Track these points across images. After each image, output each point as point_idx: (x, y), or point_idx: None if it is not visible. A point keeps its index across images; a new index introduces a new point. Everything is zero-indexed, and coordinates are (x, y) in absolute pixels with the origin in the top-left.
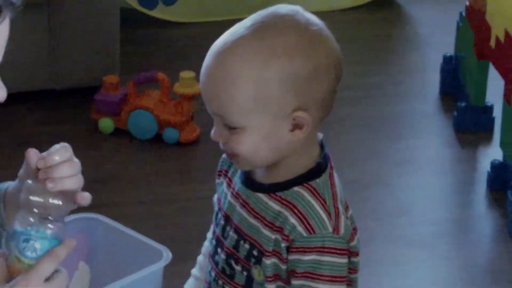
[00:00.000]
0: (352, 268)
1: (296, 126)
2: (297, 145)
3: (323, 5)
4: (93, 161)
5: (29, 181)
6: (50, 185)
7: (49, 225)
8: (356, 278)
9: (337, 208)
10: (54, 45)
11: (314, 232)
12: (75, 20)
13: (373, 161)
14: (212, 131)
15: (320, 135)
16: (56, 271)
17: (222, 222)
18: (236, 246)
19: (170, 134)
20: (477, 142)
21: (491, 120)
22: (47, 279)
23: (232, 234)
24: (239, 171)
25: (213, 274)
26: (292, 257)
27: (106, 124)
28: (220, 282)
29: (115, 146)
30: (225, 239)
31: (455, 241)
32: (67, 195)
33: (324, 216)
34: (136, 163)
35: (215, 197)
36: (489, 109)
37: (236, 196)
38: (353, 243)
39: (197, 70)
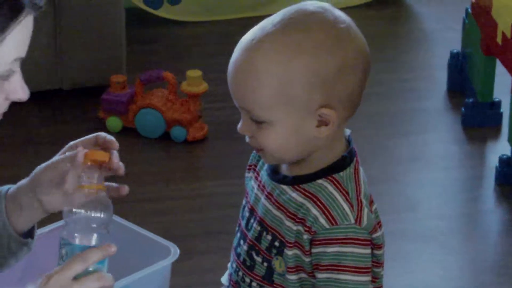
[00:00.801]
0: (376, 261)
1: (322, 123)
2: (323, 141)
3: (330, 2)
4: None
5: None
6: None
7: (93, 234)
8: (380, 273)
9: (361, 201)
10: (61, 45)
11: (337, 224)
12: (82, 20)
13: (381, 158)
14: (239, 125)
15: (348, 131)
16: (90, 272)
17: (247, 214)
18: (258, 238)
19: (177, 133)
20: (485, 138)
21: (499, 116)
22: (76, 279)
23: (255, 226)
24: (266, 165)
25: (234, 265)
26: (316, 249)
27: (114, 123)
28: (240, 273)
29: (123, 145)
30: (249, 231)
31: (463, 236)
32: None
33: (346, 207)
34: (144, 162)
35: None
36: (497, 104)
37: (262, 188)
38: (376, 235)
39: (203, 68)
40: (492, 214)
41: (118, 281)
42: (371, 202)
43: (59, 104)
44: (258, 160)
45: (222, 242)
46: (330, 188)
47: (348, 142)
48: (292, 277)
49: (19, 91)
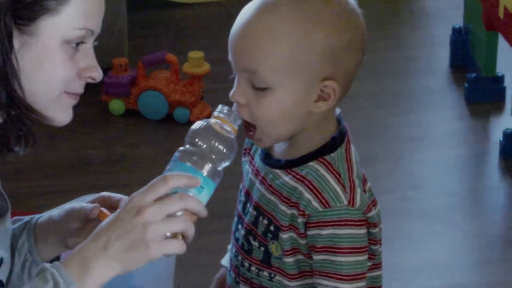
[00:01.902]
0: (372, 239)
1: (321, 97)
2: (316, 117)
3: None
4: (105, 142)
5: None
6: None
7: (207, 163)
8: (378, 250)
9: (353, 181)
10: None
11: (330, 206)
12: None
13: (385, 136)
14: (232, 91)
15: (338, 110)
16: (173, 196)
17: (243, 198)
18: (255, 222)
19: (180, 114)
20: (489, 113)
21: (502, 90)
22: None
23: (251, 210)
24: (259, 149)
25: (234, 250)
26: (310, 232)
27: (117, 105)
28: (239, 258)
29: (126, 127)
30: (245, 216)
31: (469, 212)
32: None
33: (338, 189)
34: (147, 144)
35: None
36: (500, 79)
37: (256, 173)
38: (370, 214)
39: (205, 50)
40: (497, 190)
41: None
42: (364, 181)
43: None
44: (253, 143)
45: (225, 224)
46: (322, 170)
47: (339, 121)
48: (289, 259)
49: (92, 69)
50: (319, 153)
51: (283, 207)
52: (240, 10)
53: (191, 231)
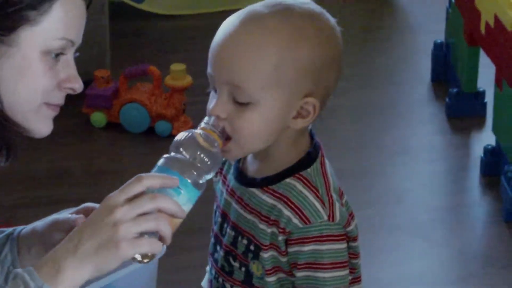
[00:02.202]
0: (352, 253)
1: (300, 114)
2: (291, 133)
3: None
4: (86, 155)
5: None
6: None
7: (190, 170)
8: (358, 264)
9: (331, 196)
10: None
11: (310, 222)
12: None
13: (366, 151)
14: (212, 105)
15: (309, 125)
16: (144, 195)
17: (219, 219)
18: (234, 243)
19: (162, 127)
20: (470, 128)
21: (483, 106)
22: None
23: (229, 231)
24: (232, 168)
25: (213, 272)
26: (291, 249)
27: (98, 118)
28: (220, 279)
29: (108, 140)
30: (223, 237)
31: (450, 227)
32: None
33: (318, 205)
34: (129, 157)
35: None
36: (481, 94)
37: (231, 193)
38: (350, 228)
39: (187, 62)
40: (477, 205)
41: (104, 278)
42: (341, 195)
43: None
44: (224, 163)
45: (208, 239)
46: (299, 186)
47: (311, 136)
48: (271, 278)
49: (72, 80)
50: (295, 169)
51: (262, 226)
52: (223, 23)
53: (165, 229)
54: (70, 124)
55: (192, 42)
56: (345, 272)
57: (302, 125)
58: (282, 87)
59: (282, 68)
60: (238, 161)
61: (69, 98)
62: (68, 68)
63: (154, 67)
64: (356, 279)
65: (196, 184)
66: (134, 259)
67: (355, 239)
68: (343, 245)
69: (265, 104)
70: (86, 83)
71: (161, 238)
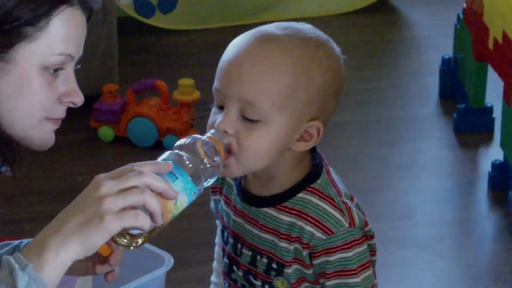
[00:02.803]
0: (372, 250)
1: (302, 138)
2: (292, 155)
3: (320, 10)
4: (94, 169)
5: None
6: None
7: (190, 163)
8: (375, 260)
9: (346, 202)
10: None
11: (333, 233)
12: (94, 48)
13: (374, 165)
14: (220, 120)
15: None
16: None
17: (231, 240)
18: (252, 262)
19: (170, 141)
20: (478, 143)
21: (491, 121)
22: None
23: (245, 251)
24: (234, 189)
25: None
26: (317, 260)
27: (106, 132)
28: None
29: (115, 154)
30: (239, 257)
31: (457, 242)
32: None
33: (337, 214)
34: None
35: (212, 203)
36: (489, 110)
37: (241, 214)
38: (367, 228)
39: (195, 77)
40: (485, 220)
41: None
42: (351, 198)
43: None
44: (222, 183)
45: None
46: (315, 199)
47: (313, 148)
48: None
49: (73, 94)
50: (305, 183)
51: (283, 244)
52: (231, 38)
53: (152, 203)
54: (78, 138)
55: (200, 57)
56: (371, 271)
57: (303, 148)
58: (293, 108)
59: (296, 89)
60: (240, 181)
61: (77, 112)
62: (68, 82)
63: (161, 82)
64: (374, 274)
65: (192, 177)
66: (121, 242)
67: (372, 237)
68: (365, 246)
69: (275, 124)
70: (94, 98)
71: (150, 215)
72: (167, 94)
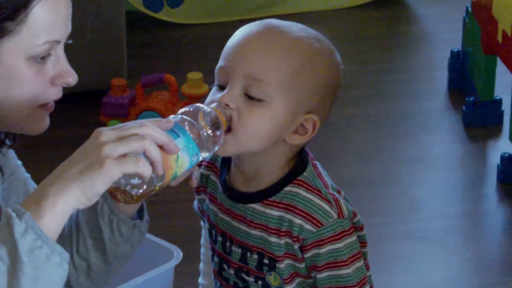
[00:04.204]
0: (362, 242)
1: (297, 131)
2: (284, 149)
3: (328, 4)
4: None
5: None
6: None
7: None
8: (366, 252)
9: (333, 194)
10: None
11: (322, 225)
12: (82, 24)
13: (383, 159)
14: (222, 94)
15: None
16: (135, 155)
17: (219, 239)
18: (243, 259)
19: None
20: (486, 137)
21: (500, 114)
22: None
23: (235, 249)
24: (219, 187)
25: None
26: (308, 254)
27: None
28: None
29: None
30: (229, 255)
31: (466, 235)
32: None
33: (325, 205)
34: None
35: (195, 204)
36: (498, 103)
37: (227, 212)
38: (356, 219)
39: (204, 70)
40: (494, 213)
41: (120, 286)
42: (338, 191)
43: (60, 109)
44: (206, 182)
45: None
46: (302, 192)
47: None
48: (291, 286)
49: (64, 75)
50: (291, 176)
51: (274, 239)
52: (241, 28)
53: (152, 149)
54: (87, 132)
55: (209, 51)
56: (362, 261)
57: (297, 142)
58: (295, 94)
59: (300, 75)
60: (225, 178)
61: (86, 106)
62: (58, 64)
63: (170, 76)
64: (366, 266)
65: (194, 140)
66: (120, 197)
67: (361, 229)
68: (354, 237)
69: (276, 106)
70: (103, 92)
71: (153, 164)
72: (175, 88)
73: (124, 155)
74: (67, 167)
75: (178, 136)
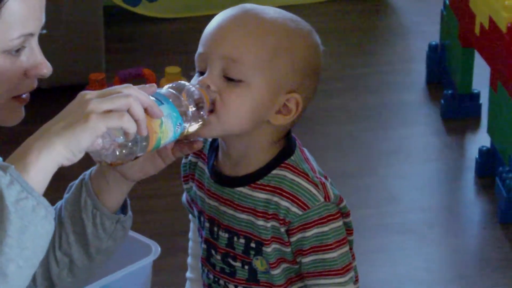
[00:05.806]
0: (348, 229)
1: (281, 112)
2: (270, 130)
3: None
4: (84, 157)
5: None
6: None
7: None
8: (352, 240)
9: (320, 178)
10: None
11: (309, 207)
12: (60, 18)
13: (361, 151)
14: (202, 77)
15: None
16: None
17: (207, 224)
18: (229, 244)
19: None
20: (465, 129)
21: (478, 107)
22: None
23: (222, 233)
24: (206, 172)
25: (211, 276)
26: (294, 237)
27: None
28: (221, 282)
29: None
30: (216, 240)
31: (444, 228)
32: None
33: (312, 188)
34: None
35: (184, 197)
36: (476, 96)
37: (215, 196)
38: (342, 204)
39: (182, 64)
40: (472, 206)
41: (98, 280)
42: (325, 177)
43: (38, 103)
44: (194, 169)
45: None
46: (289, 175)
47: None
48: (276, 271)
49: (39, 66)
50: (279, 159)
51: (261, 222)
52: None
53: (137, 107)
54: None
55: (187, 44)
56: (347, 248)
57: (281, 122)
58: (274, 73)
59: (278, 54)
60: (213, 163)
61: (65, 101)
62: (32, 55)
63: (148, 70)
64: (352, 256)
65: (178, 107)
66: (103, 159)
67: (348, 215)
68: (340, 223)
69: (256, 86)
70: (82, 86)
71: (137, 123)
72: (154, 82)
73: (109, 111)
74: (53, 124)
75: (162, 103)
